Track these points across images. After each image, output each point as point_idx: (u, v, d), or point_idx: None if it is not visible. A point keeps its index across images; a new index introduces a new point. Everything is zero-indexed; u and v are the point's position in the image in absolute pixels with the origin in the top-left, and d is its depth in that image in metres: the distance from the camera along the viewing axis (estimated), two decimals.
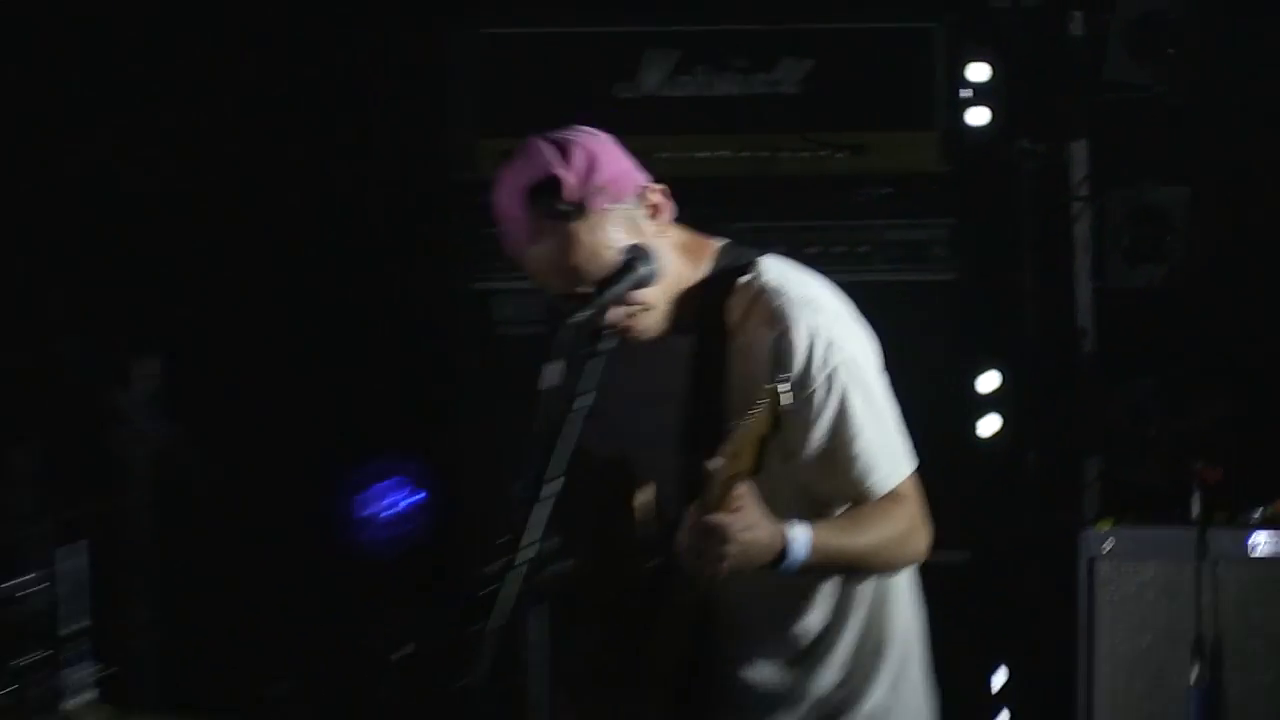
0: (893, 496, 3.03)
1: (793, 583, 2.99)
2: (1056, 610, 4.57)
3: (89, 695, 4.28)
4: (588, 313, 2.86)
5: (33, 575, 4.16)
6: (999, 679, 4.85)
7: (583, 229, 2.84)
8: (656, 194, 2.97)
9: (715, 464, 2.72)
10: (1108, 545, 4.38)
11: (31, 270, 5.34)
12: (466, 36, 4.89)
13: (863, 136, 4.77)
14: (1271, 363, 4.79)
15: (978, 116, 4.80)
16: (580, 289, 2.84)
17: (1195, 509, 4.50)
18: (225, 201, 5.11)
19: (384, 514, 5.14)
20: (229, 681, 5.07)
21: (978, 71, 4.83)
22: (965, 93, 4.84)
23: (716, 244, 3.13)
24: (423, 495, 5.13)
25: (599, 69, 4.86)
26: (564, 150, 2.89)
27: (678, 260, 3.03)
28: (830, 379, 2.97)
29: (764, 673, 3.14)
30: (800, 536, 2.86)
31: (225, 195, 5.16)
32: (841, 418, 2.98)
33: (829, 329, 2.96)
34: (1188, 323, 4.87)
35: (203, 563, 5.01)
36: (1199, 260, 4.86)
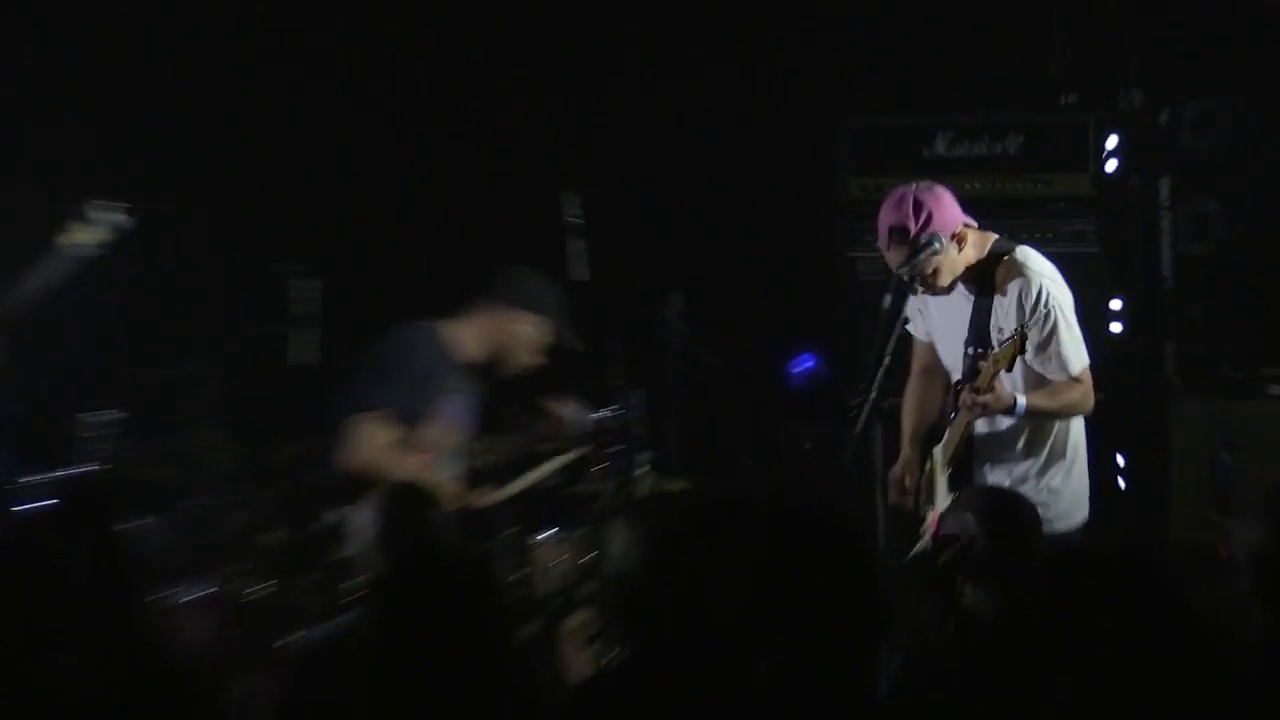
0: (1075, 379, 5.32)
1: (1015, 422, 5.33)
2: (1150, 426, 7.40)
3: (645, 469, 6.65)
4: (904, 271, 5.33)
5: (617, 406, 6.66)
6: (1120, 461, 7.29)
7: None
8: (961, 228, 5.22)
9: (984, 363, 5.11)
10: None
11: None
12: (848, 122, 7.58)
13: (1050, 176, 7.37)
14: None
15: (1110, 165, 7.46)
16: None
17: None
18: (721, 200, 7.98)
19: (800, 371, 8.03)
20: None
21: (1110, 140, 7.48)
22: (1104, 153, 7.47)
23: (992, 237, 5.45)
24: (818, 363, 7.99)
25: (916, 140, 7.54)
26: (916, 206, 5.24)
27: (966, 249, 5.29)
28: (1048, 312, 5.23)
29: (1000, 463, 5.48)
30: (1021, 400, 5.24)
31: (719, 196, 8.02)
32: (1052, 332, 5.25)
33: (1049, 285, 5.23)
34: (1222, 275, 7.67)
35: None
36: (1228, 242, 7.61)
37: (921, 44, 7.94)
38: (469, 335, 6.61)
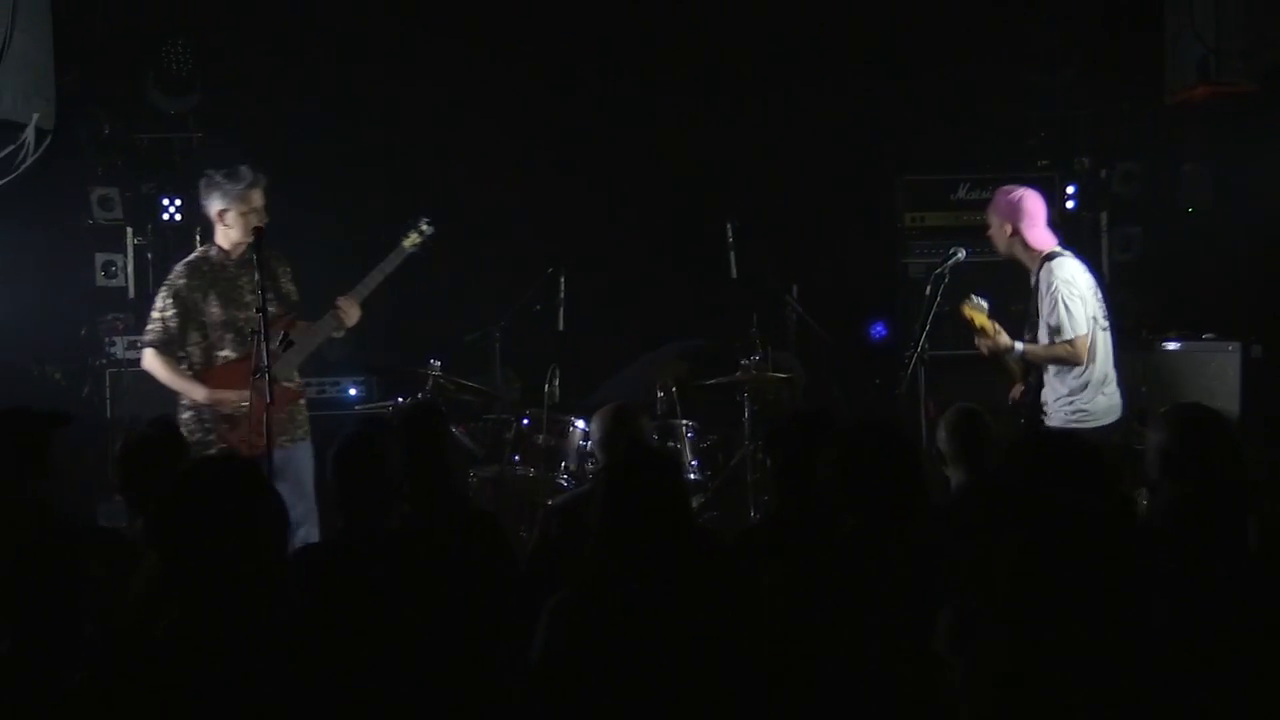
0: (1067, 342, 6.68)
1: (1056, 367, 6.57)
2: None
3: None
4: (946, 265, 7.10)
5: (758, 356, 8.06)
6: None
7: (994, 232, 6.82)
8: (1017, 223, 6.71)
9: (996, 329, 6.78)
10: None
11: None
12: (904, 175, 9.06)
13: None
14: None
15: (1070, 204, 8.95)
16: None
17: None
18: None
19: (873, 334, 9.59)
20: None
21: (1069, 189, 8.94)
22: (1066, 196, 8.92)
23: (1050, 246, 6.79)
24: (885, 329, 9.55)
25: (946, 188, 8.97)
26: (994, 200, 7.02)
27: (1022, 252, 6.85)
28: (1054, 298, 6.73)
29: (1052, 389, 6.83)
30: (1019, 347, 6.74)
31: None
32: (1053, 310, 6.75)
33: (1058, 281, 6.73)
34: (1141, 274, 8.90)
35: None
36: (1145, 253, 8.92)
37: (951, 129, 9.37)
38: None
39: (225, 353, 7.20)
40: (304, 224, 7.83)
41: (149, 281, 9.03)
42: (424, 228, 7.47)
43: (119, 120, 9.29)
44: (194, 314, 7.19)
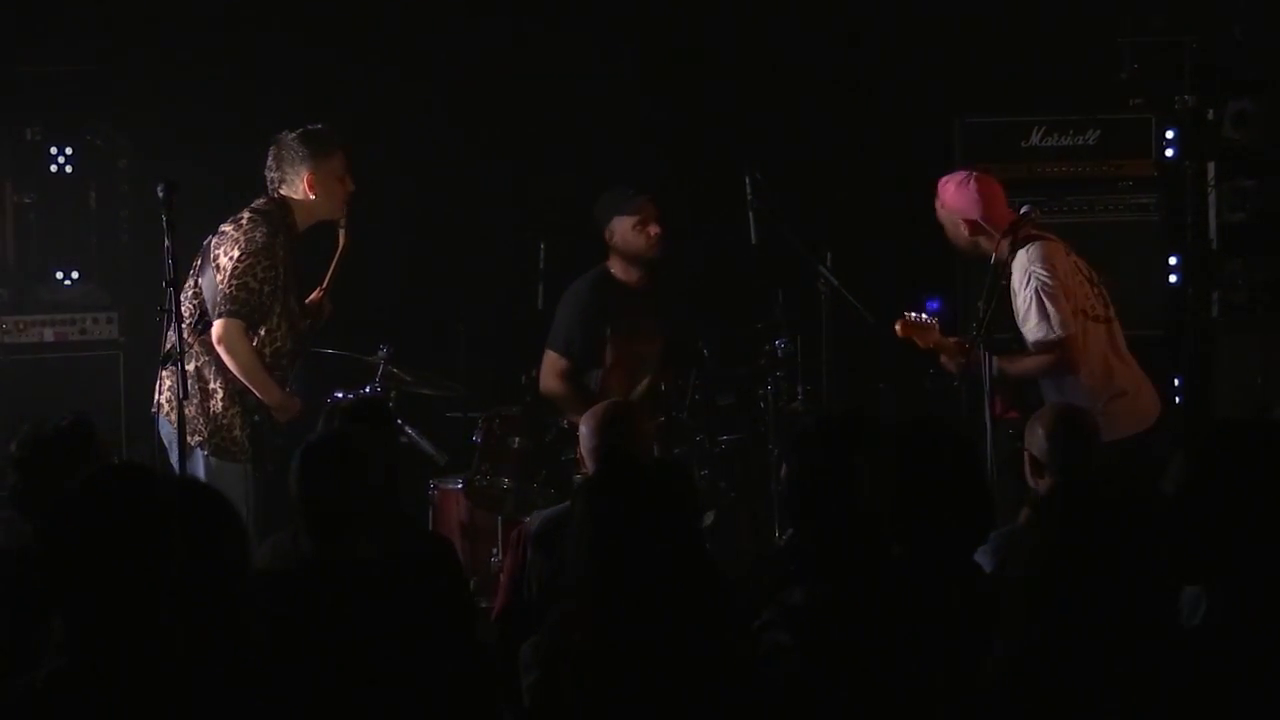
0: (1053, 344, 6.38)
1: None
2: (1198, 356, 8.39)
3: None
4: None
5: (784, 340, 7.74)
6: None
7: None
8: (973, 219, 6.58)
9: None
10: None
11: None
12: (963, 119, 8.51)
13: (1121, 161, 8.42)
14: None
15: (1169, 152, 8.45)
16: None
17: None
18: None
19: (929, 310, 8.35)
20: None
21: (1169, 133, 8.43)
22: (1164, 143, 8.46)
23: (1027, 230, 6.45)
24: (940, 308, 8.01)
25: (1016, 133, 8.49)
26: (938, 198, 6.68)
27: (989, 244, 6.53)
28: (1030, 292, 6.39)
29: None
30: (993, 363, 6.31)
31: None
32: (1030, 308, 6.40)
33: (1036, 271, 6.36)
34: (1256, 238, 8.57)
35: None
36: (1261, 211, 8.49)
37: (1021, 58, 8.94)
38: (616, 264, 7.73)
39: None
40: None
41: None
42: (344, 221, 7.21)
43: None
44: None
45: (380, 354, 7.58)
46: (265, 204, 6.99)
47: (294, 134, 6.94)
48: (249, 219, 6.90)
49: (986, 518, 4.21)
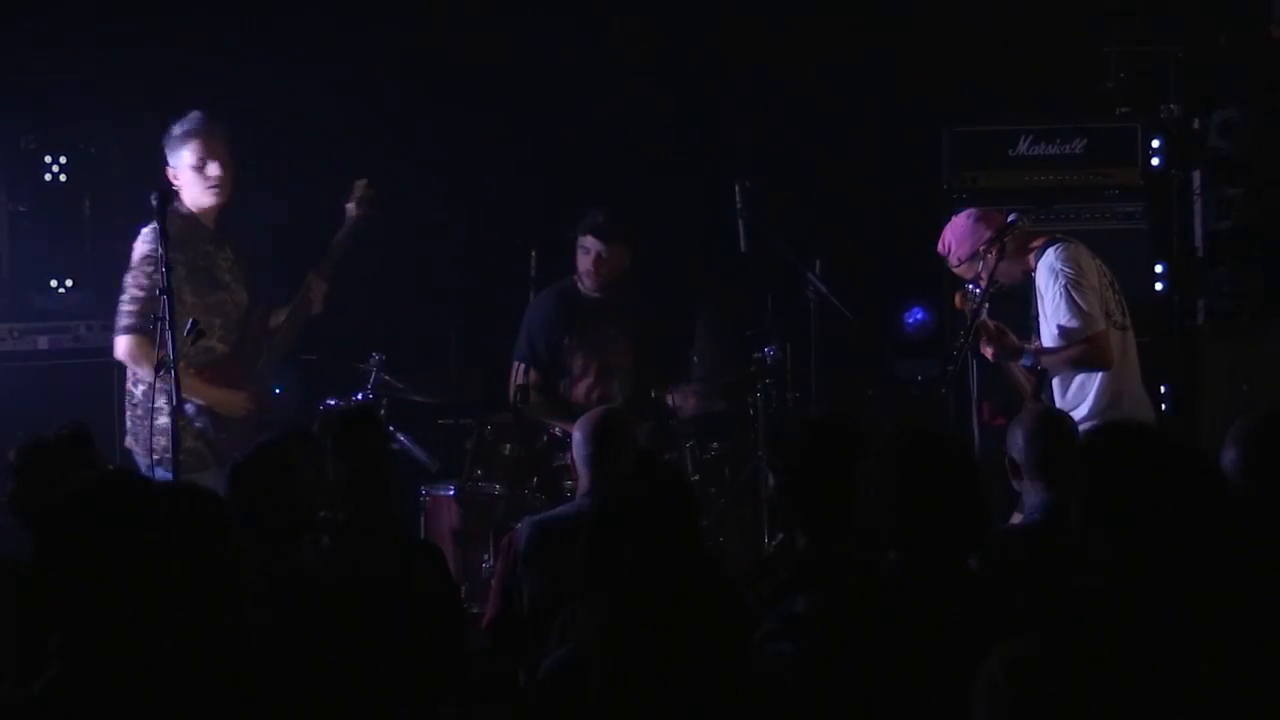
0: (1085, 339, 6.28)
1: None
2: (1185, 363, 8.28)
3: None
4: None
5: (773, 349, 7.82)
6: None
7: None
8: (985, 249, 6.38)
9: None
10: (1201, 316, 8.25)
11: None
12: (952, 128, 8.43)
13: (1108, 170, 8.34)
14: None
15: (1155, 161, 8.37)
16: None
17: None
18: None
19: (912, 322, 8.89)
20: None
21: (1155, 142, 8.32)
22: (1150, 151, 8.38)
23: (1039, 242, 6.47)
24: (926, 315, 8.88)
25: (1003, 142, 8.43)
26: (943, 237, 6.57)
27: (1017, 256, 6.41)
28: (1060, 287, 6.31)
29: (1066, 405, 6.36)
30: (1030, 350, 6.34)
31: None
32: (1060, 303, 6.32)
33: (1064, 270, 6.30)
34: (1241, 246, 8.49)
35: None
36: (1246, 220, 8.48)
37: (1009, 68, 8.87)
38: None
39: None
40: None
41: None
42: (360, 192, 7.33)
43: None
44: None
45: (372, 361, 7.57)
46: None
47: None
48: (143, 231, 6.83)
49: (983, 524, 4.19)
